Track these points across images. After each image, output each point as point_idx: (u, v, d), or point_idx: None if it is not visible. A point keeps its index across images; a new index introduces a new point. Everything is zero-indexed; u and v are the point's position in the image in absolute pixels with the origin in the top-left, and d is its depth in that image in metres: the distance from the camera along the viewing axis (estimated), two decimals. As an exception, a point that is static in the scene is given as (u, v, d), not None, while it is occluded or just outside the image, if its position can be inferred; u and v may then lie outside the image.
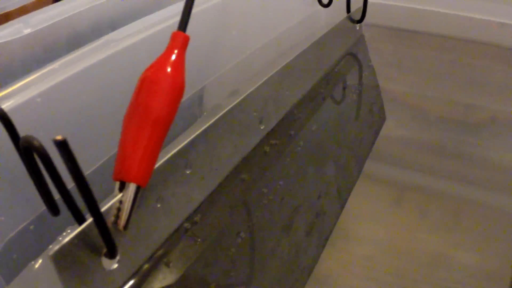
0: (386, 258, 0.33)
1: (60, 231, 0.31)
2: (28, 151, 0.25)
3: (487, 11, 0.61)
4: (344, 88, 0.55)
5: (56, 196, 0.27)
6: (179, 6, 0.42)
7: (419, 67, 0.62)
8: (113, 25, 0.45)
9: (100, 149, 0.33)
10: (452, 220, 0.37)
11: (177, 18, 0.31)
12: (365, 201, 0.39)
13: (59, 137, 0.21)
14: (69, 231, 0.31)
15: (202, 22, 0.43)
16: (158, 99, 0.27)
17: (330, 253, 0.34)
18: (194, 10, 0.31)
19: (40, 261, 0.24)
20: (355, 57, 0.61)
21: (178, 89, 0.28)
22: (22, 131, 0.26)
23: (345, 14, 0.60)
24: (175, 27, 0.31)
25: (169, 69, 0.28)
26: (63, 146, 0.21)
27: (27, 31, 0.36)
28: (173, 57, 0.28)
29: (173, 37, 0.29)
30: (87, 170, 0.31)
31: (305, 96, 0.49)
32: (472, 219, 0.37)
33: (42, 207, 0.29)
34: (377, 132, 0.48)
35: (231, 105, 0.36)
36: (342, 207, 0.38)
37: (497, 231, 0.37)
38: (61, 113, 0.30)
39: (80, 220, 0.26)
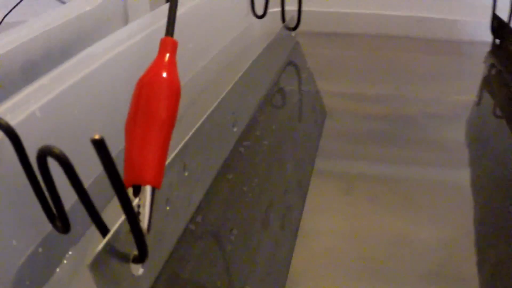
0: (348, 246, 0.34)
1: (64, 253, 0.30)
2: (43, 161, 0.24)
3: (406, 8, 0.68)
4: (286, 93, 0.58)
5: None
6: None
7: (351, 66, 0.66)
8: (66, 50, 0.44)
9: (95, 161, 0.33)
10: (404, 201, 0.38)
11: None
12: (316, 196, 0.39)
13: (96, 136, 0.21)
14: (70, 252, 0.31)
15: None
16: (161, 101, 0.28)
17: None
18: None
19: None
20: (293, 63, 0.64)
21: (177, 89, 0.29)
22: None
23: (280, 23, 0.63)
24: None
25: (165, 73, 0.29)
26: (100, 145, 0.21)
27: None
28: (166, 61, 0.29)
29: (163, 42, 0.30)
30: (89, 180, 0.31)
31: (260, 102, 0.52)
32: (423, 197, 0.39)
33: (47, 228, 0.28)
34: (321, 128, 0.51)
35: (209, 111, 0.37)
36: (304, 200, 0.39)
37: (449, 204, 0.38)
38: (58, 127, 0.29)
39: (104, 230, 0.25)
